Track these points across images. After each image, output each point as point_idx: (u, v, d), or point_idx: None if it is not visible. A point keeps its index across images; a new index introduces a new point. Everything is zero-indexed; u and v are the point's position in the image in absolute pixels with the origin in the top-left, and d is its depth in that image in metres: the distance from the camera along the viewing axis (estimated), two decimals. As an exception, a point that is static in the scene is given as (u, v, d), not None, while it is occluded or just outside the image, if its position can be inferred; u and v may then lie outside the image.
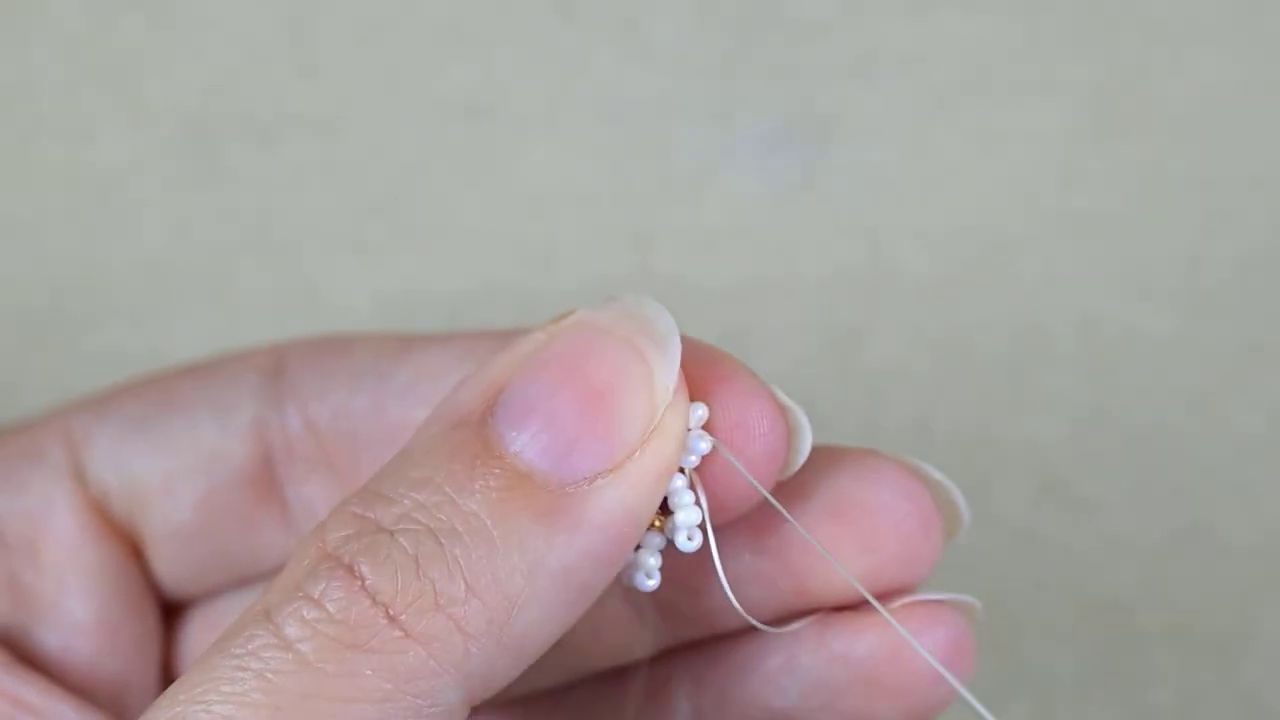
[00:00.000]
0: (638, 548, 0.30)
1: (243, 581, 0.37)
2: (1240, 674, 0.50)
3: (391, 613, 0.27)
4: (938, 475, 0.33)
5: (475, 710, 0.30)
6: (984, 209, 0.52)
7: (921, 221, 0.52)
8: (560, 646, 0.31)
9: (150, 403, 0.35)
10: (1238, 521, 0.50)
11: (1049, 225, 0.51)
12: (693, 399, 0.30)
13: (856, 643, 0.33)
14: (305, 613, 0.27)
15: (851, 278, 0.51)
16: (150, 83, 0.52)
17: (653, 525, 0.30)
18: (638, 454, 0.28)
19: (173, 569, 0.36)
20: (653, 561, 0.30)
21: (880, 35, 0.52)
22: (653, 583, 0.30)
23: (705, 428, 0.30)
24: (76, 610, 0.35)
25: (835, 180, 0.52)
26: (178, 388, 0.36)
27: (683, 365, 0.29)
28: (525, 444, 0.28)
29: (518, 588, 0.28)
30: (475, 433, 0.28)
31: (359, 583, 0.27)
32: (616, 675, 0.36)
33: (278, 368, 0.35)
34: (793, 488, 0.32)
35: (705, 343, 0.31)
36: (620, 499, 0.28)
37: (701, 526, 0.30)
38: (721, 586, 0.31)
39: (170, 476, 0.35)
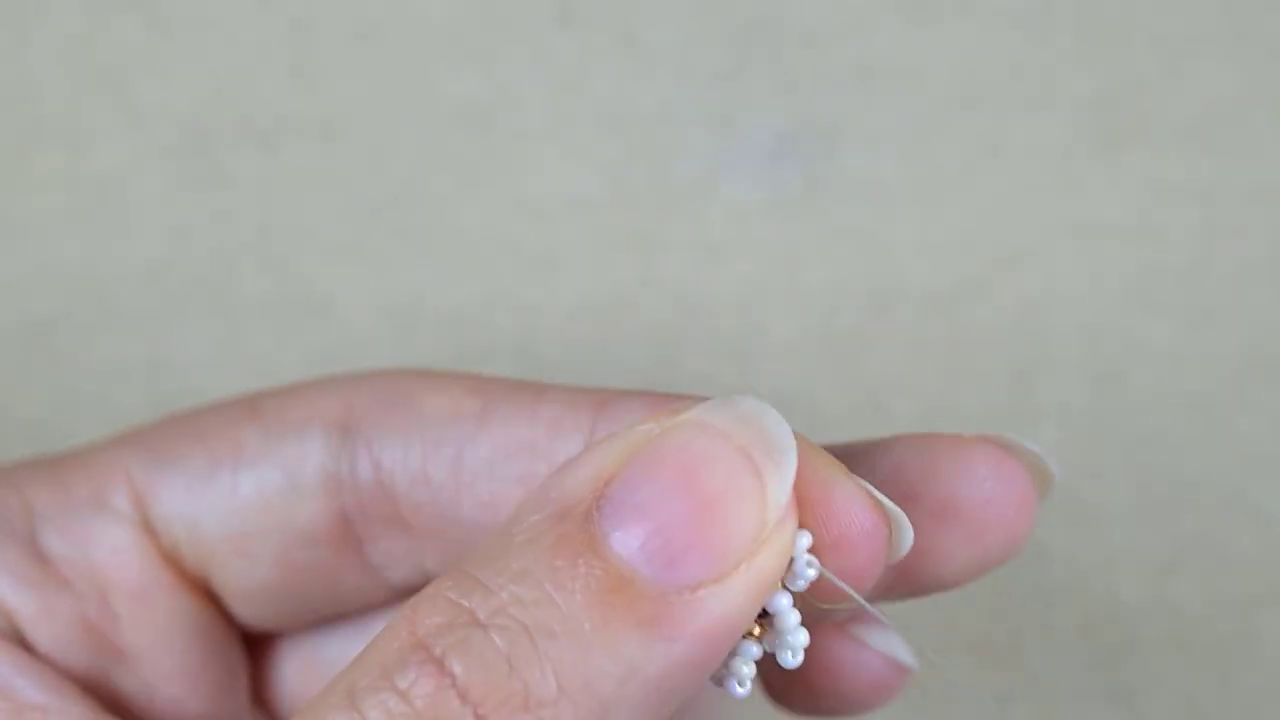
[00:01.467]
0: (732, 655, 0.30)
1: (331, 618, 0.37)
2: (1242, 683, 0.49)
3: (480, 713, 0.27)
4: (1030, 446, 0.34)
5: None
6: (986, 219, 0.52)
7: (923, 232, 0.52)
8: None
9: (216, 456, 0.35)
10: (1240, 531, 0.50)
11: (1051, 236, 0.51)
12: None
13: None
14: (391, 705, 0.27)
15: (853, 288, 0.51)
16: (149, 88, 0.52)
17: (749, 634, 0.30)
18: (743, 567, 0.28)
19: (252, 615, 0.36)
20: (747, 670, 0.30)
21: (882, 46, 0.52)
22: (744, 690, 0.30)
23: (811, 549, 0.30)
24: (156, 658, 0.35)
25: (837, 190, 0.52)
26: (243, 441, 0.35)
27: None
28: (631, 546, 0.28)
29: (610, 693, 0.27)
30: (580, 527, 0.28)
31: (449, 679, 0.27)
32: None
33: (345, 422, 0.35)
34: (898, 487, 0.32)
35: (805, 441, 0.30)
36: (722, 611, 0.28)
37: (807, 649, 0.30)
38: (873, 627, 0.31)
39: (243, 538, 0.35)
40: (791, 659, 0.30)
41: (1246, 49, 0.51)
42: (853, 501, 0.30)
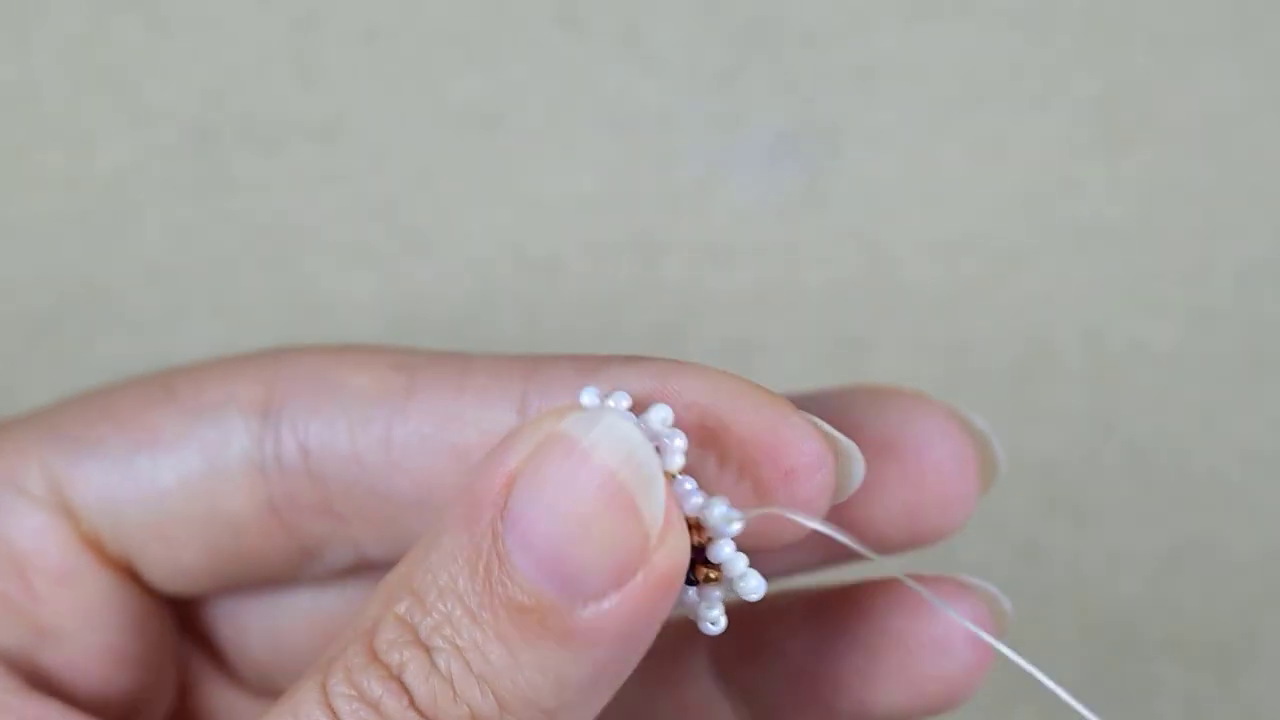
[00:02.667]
0: (703, 604, 0.31)
1: (261, 585, 0.37)
2: (1243, 686, 0.49)
3: None
4: (980, 424, 0.34)
5: None
6: (987, 220, 0.52)
7: (925, 232, 0.52)
8: None
9: (133, 441, 0.34)
10: (1241, 534, 0.50)
11: (1052, 237, 0.51)
12: (740, 450, 0.30)
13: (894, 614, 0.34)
14: (363, 714, 0.29)
15: (855, 288, 0.51)
16: (152, 88, 0.52)
17: (707, 579, 0.31)
18: (640, 573, 0.29)
19: (178, 591, 0.36)
20: (717, 613, 0.31)
21: (884, 46, 0.52)
22: (718, 628, 0.31)
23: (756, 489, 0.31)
24: (81, 637, 0.35)
25: (839, 191, 0.52)
26: (162, 423, 0.34)
27: (730, 419, 0.30)
28: (531, 569, 0.29)
29: (548, 701, 0.29)
30: (490, 540, 0.29)
31: (407, 697, 0.29)
32: None
33: (265, 404, 0.34)
34: (845, 424, 0.32)
35: (748, 383, 0.31)
36: (631, 613, 0.29)
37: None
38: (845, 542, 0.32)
39: (167, 524, 0.35)
40: (754, 595, 0.30)
41: (1248, 50, 0.51)
42: (799, 434, 0.30)
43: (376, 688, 0.29)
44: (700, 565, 0.31)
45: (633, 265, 0.52)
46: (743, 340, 0.51)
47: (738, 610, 0.32)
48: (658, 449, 0.30)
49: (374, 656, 0.29)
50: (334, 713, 0.29)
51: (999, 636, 0.34)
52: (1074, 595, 0.50)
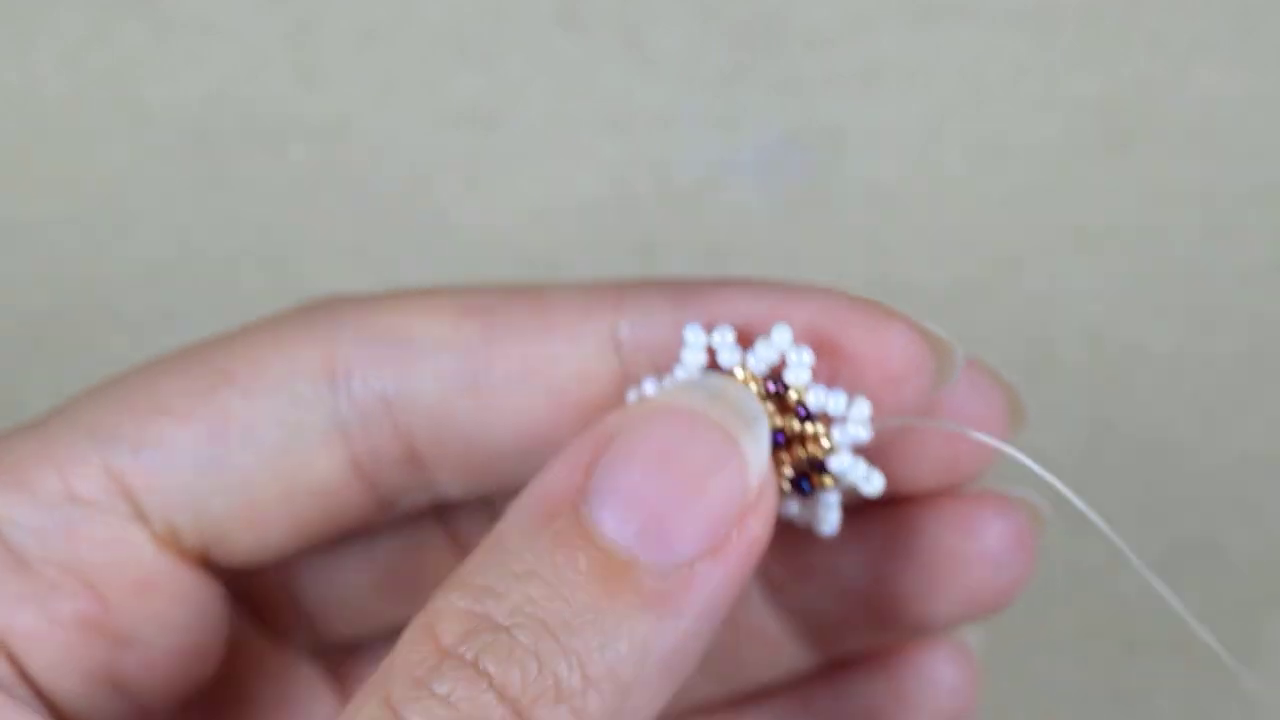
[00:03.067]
0: (821, 506, 0.32)
1: (335, 541, 0.36)
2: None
3: (519, 709, 0.28)
4: (1028, 498, 0.36)
5: None
6: (988, 222, 0.52)
7: (926, 235, 0.52)
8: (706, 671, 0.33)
9: (204, 433, 0.33)
10: (1241, 535, 0.50)
11: (1053, 239, 0.51)
12: (847, 364, 0.31)
13: (930, 516, 0.35)
14: (435, 711, 0.28)
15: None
16: (152, 89, 0.52)
17: (822, 485, 0.31)
18: (734, 534, 0.29)
19: (252, 566, 0.35)
20: (835, 514, 0.32)
21: (885, 48, 0.52)
22: (834, 529, 0.32)
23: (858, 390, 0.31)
24: (157, 640, 0.34)
25: (839, 192, 0.52)
26: (228, 409, 0.33)
27: (838, 336, 0.31)
28: (625, 533, 0.28)
29: (630, 674, 0.28)
30: (572, 522, 0.29)
31: (486, 680, 0.28)
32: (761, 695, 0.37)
33: (334, 370, 0.33)
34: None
35: (843, 299, 0.32)
36: (720, 579, 0.29)
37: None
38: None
39: (251, 509, 0.34)
40: (878, 490, 0.31)
41: (1248, 51, 0.51)
42: (902, 340, 0.32)
43: (450, 681, 0.28)
44: (814, 473, 0.31)
45: (633, 266, 0.52)
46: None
47: (786, 531, 0.33)
48: (778, 374, 0.31)
49: (443, 654, 0.28)
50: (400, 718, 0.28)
51: (1038, 542, 0.36)
52: (1074, 595, 0.50)
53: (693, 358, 0.31)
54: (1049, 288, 0.51)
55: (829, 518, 0.32)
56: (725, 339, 0.31)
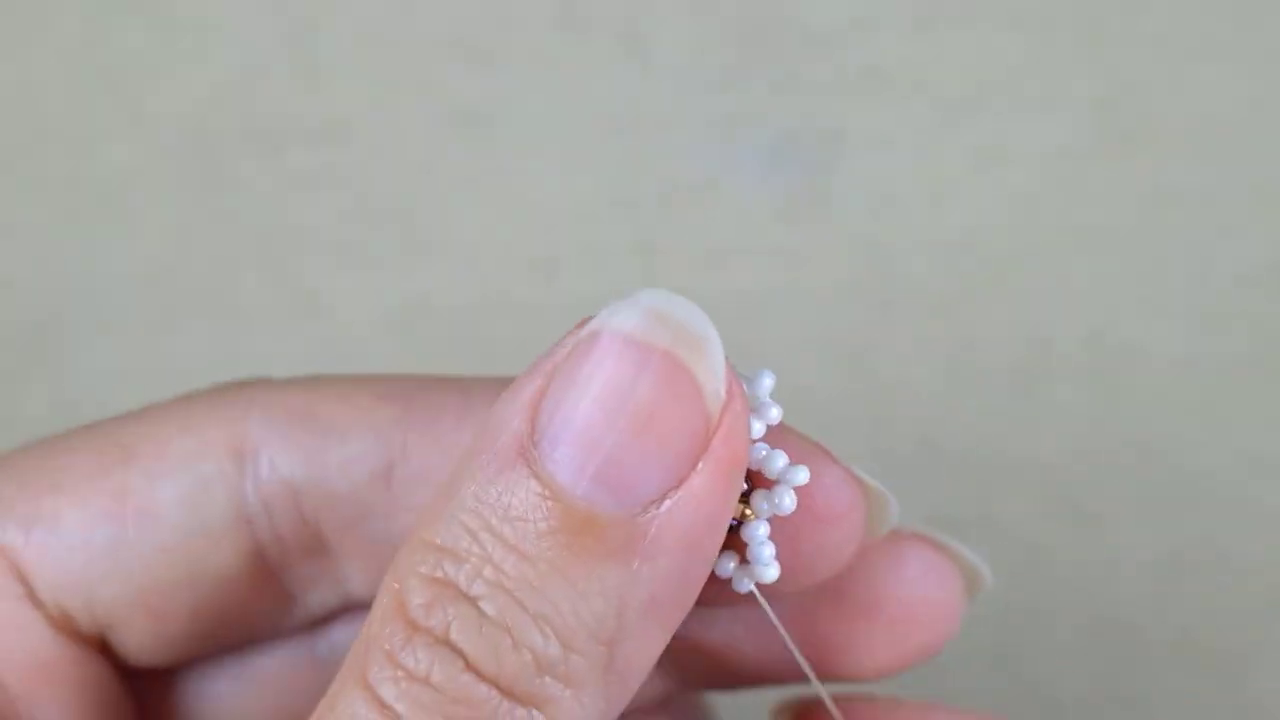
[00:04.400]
0: (742, 560, 0.30)
1: (236, 649, 0.35)
2: (1246, 689, 0.49)
3: (502, 686, 0.26)
4: (965, 552, 0.33)
5: None
6: (989, 222, 0.51)
7: (926, 235, 0.51)
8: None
9: (99, 511, 0.32)
10: (1243, 537, 0.50)
11: (1053, 240, 0.51)
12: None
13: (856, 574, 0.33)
14: (415, 692, 0.26)
15: (856, 292, 0.51)
16: (152, 91, 0.52)
17: (743, 517, 0.30)
18: (701, 463, 0.27)
19: (152, 661, 0.34)
20: (768, 551, 0.30)
21: (885, 49, 0.52)
22: (775, 573, 0.30)
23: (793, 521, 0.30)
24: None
25: (840, 194, 0.52)
26: (126, 488, 0.32)
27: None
28: (581, 482, 0.27)
29: (610, 630, 0.27)
30: (526, 475, 0.27)
31: (461, 659, 0.26)
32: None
33: (241, 452, 0.32)
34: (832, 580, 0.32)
35: (787, 427, 0.30)
36: (694, 512, 0.27)
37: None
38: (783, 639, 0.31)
39: (146, 595, 0.32)
40: (790, 505, 0.29)
41: (1248, 53, 0.51)
42: (836, 479, 0.30)
43: (424, 658, 0.26)
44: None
45: (633, 267, 0.52)
46: (744, 343, 0.51)
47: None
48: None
49: (413, 626, 0.27)
50: (381, 702, 0.27)
51: (972, 596, 0.34)
52: (1075, 597, 0.50)
53: None
54: (1049, 288, 0.51)
55: (762, 555, 0.30)
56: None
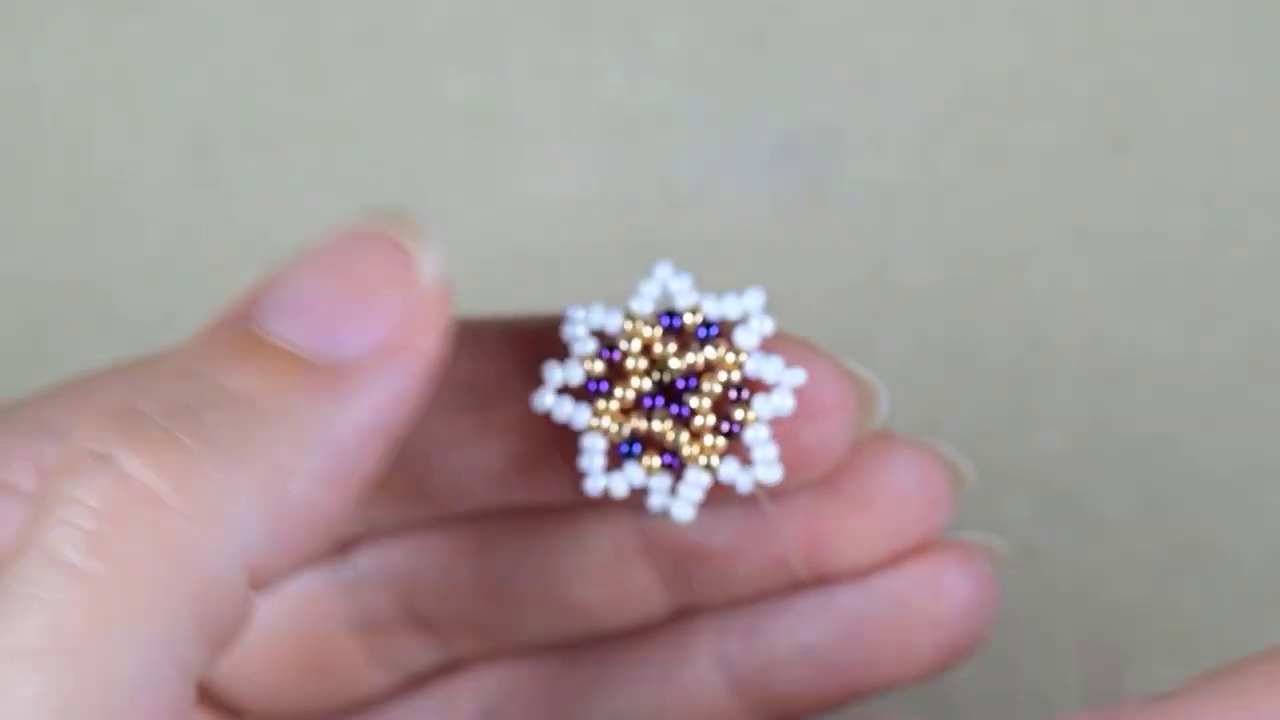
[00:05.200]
0: (744, 462, 0.31)
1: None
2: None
3: (156, 492, 0.26)
4: (948, 450, 0.35)
5: (487, 663, 0.30)
6: (988, 221, 0.51)
7: (925, 235, 0.51)
8: (571, 608, 0.32)
9: None
10: (1242, 536, 0.50)
11: (1053, 239, 0.51)
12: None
13: (896, 577, 0.34)
14: (71, 518, 0.26)
15: (855, 291, 0.51)
16: (151, 89, 0.52)
17: (746, 420, 0.31)
18: (405, 341, 0.28)
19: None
20: (772, 453, 0.31)
21: (885, 47, 0.52)
22: (777, 471, 0.31)
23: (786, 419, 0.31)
24: None
25: (839, 193, 0.52)
26: None
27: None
28: (291, 329, 0.28)
29: (285, 457, 0.27)
30: (239, 327, 0.28)
31: (118, 469, 0.26)
32: (637, 633, 0.36)
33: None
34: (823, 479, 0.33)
35: (785, 332, 0.31)
36: (389, 382, 0.28)
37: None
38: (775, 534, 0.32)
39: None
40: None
41: (1248, 51, 0.51)
42: (830, 375, 0.31)
43: (81, 480, 0.26)
44: (736, 406, 0.31)
45: (632, 267, 0.51)
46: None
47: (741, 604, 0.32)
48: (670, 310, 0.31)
49: (77, 452, 0.26)
50: (40, 539, 0.26)
51: (957, 491, 0.35)
52: (1074, 597, 0.50)
53: (574, 330, 0.32)
54: (1048, 288, 0.51)
55: (691, 495, 0.31)
56: (682, 284, 0.31)
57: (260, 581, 0.27)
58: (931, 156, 0.52)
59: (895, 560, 0.34)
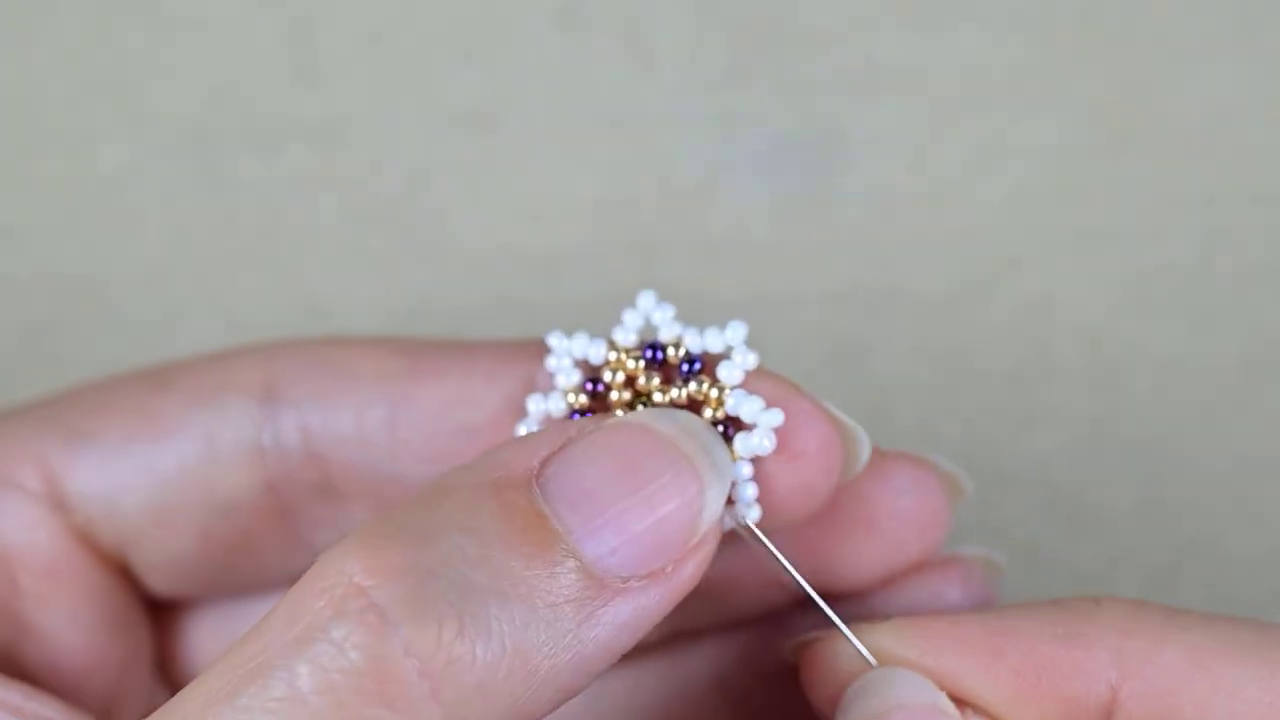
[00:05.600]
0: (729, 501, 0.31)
1: (248, 588, 0.36)
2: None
3: (425, 669, 0.26)
4: (944, 463, 0.35)
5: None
6: (987, 223, 0.51)
7: (925, 235, 0.51)
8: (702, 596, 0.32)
9: (132, 430, 0.34)
10: (1241, 535, 0.50)
11: (1052, 240, 0.51)
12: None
13: (896, 596, 0.35)
14: (325, 659, 0.25)
15: (855, 291, 0.51)
16: (151, 91, 0.52)
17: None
18: (670, 569, 0.28)
19: (169, 587, 0.35)
20: (750, 492, 0.31)
21: (884, 49, 0.52)
22: (755, 512, 0.31)
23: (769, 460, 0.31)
24: (62, 634, 0.34)
25: (839, 193, 0.52)
26: (160, 411, 0.34)
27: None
28: (574, 524, 0.28)
29: (543, 665, 0.27)
30: (526, 498, 0.28)
31: (392, 629, 0.26)
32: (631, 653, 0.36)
33: (266, 389, 0.34)
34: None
35: (765, 370, 0.32)
36: (647, 605, 0.28)
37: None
38: (783, 568, 0.32)
39: (163, 510, 0.34)
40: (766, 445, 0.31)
41: (1248, 54, 0.51)
42: (813, 419, 0.31)
43: (348, 623, 0.25)
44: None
45: (632, 267, 0.52)
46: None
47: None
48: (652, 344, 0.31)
49: (351, 588, 0.26)
50: (287, 669, 0.26)
51: (954, 503, 0.35)
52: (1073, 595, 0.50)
53: (558, 363, 0.32)
54: (1048, 289, 0.51)
55: (745, 497, 0.32)
56: (665, 316, 0.31)
57: None
58: (931, 158, 0.52)
59: (896, 578, 0.35)
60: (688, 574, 0.29)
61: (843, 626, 0.32)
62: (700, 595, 0.34)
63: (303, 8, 0.52)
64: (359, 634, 0.26)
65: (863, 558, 0.34)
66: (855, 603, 0.35)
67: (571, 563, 0.27)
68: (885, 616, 0.34)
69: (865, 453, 0.33)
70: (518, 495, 0.28)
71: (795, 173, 0.52)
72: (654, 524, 0.28)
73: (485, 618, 0.26)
